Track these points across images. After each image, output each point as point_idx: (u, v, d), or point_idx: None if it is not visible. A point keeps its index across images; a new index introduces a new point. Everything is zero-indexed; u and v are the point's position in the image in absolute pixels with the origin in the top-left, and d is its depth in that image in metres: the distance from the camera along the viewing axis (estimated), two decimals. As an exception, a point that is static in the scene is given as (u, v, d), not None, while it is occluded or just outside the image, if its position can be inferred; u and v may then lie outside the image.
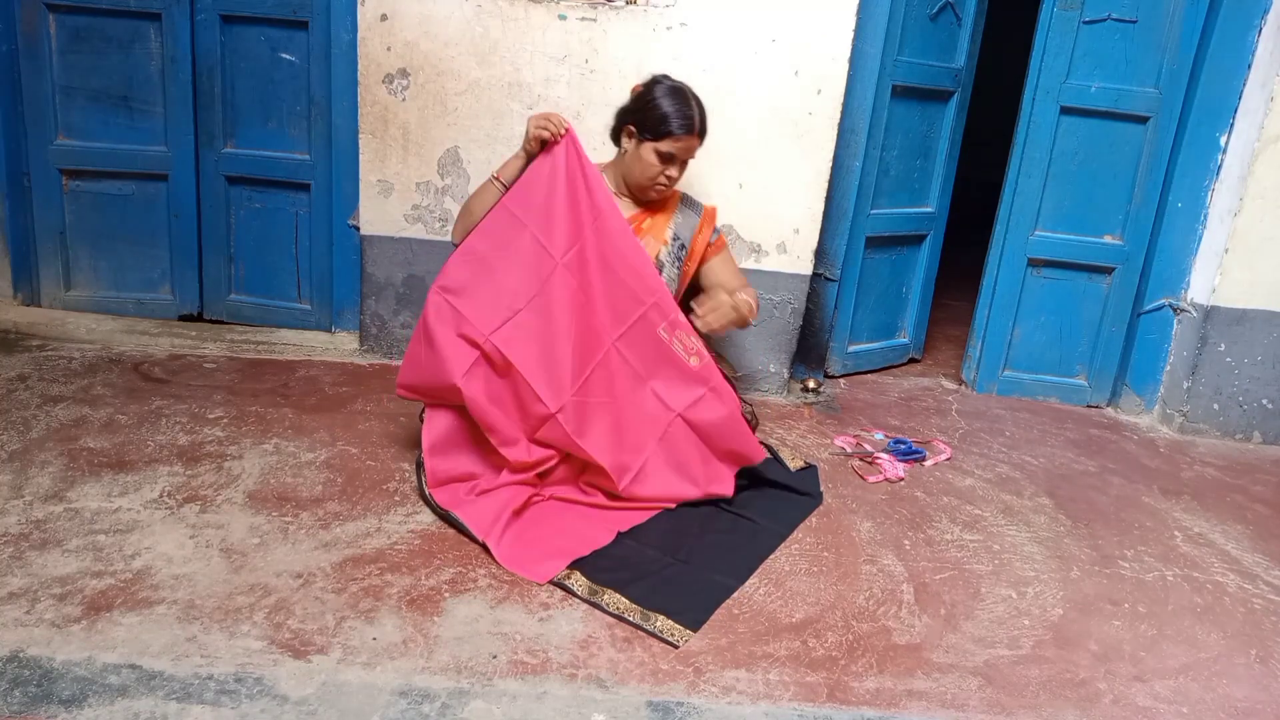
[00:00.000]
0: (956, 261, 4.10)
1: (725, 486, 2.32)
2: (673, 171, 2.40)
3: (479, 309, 2.19)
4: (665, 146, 2.34)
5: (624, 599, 1.87)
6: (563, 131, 2.24)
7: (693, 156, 2.42)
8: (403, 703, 1.54)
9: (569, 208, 2.24)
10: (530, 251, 2.23)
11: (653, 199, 2.47)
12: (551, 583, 1.92)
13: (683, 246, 2.53)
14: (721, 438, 2.33)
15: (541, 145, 2.26)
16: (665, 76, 2.42)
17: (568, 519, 2.17)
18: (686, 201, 2.58)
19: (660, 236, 2.50)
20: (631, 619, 1.82)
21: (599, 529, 2.12)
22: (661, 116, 2.33)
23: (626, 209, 2.47)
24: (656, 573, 1.98)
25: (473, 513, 2.10)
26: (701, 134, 2.39)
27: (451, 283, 2.21)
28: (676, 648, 1.76)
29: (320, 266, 3.31)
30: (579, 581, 1.92)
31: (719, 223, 2.66)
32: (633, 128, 2.38)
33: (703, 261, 2.56)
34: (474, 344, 2.17)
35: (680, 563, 2.04)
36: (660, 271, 2.47)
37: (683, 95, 2.36)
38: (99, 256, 3.32)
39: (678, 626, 1.81)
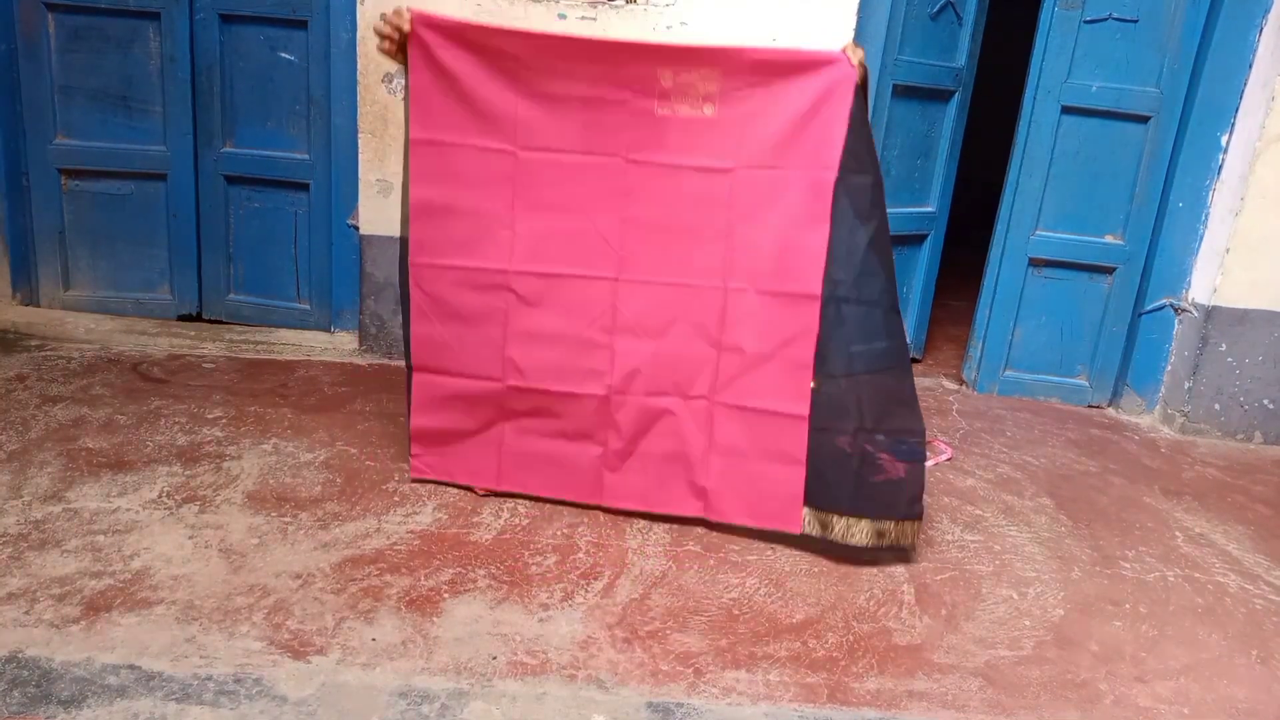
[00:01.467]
0: (957, 261, 4.09)
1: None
2: None
3: (479, 249, 2.03)
4: None
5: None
6: (405, 26, 1.96)
7: None
8: (402, 703, 1.53)
9: (495, 89, 1.98)
10: (480, 163, 2.02)
11: None
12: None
13: None
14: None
15: (402, 55, 2.01)
16: None
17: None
18: None
19: None
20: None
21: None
22: None
23: None
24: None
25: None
26: None
27: (425, 245, 2.04)
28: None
29: (319, 266, 3.30)
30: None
31: None
32: None
33: None
34: (498, 284, 2.04)
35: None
36: None
37: None
38: (98, 256, 3.31)
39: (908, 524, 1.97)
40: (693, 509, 2.08)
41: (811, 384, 2.04)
